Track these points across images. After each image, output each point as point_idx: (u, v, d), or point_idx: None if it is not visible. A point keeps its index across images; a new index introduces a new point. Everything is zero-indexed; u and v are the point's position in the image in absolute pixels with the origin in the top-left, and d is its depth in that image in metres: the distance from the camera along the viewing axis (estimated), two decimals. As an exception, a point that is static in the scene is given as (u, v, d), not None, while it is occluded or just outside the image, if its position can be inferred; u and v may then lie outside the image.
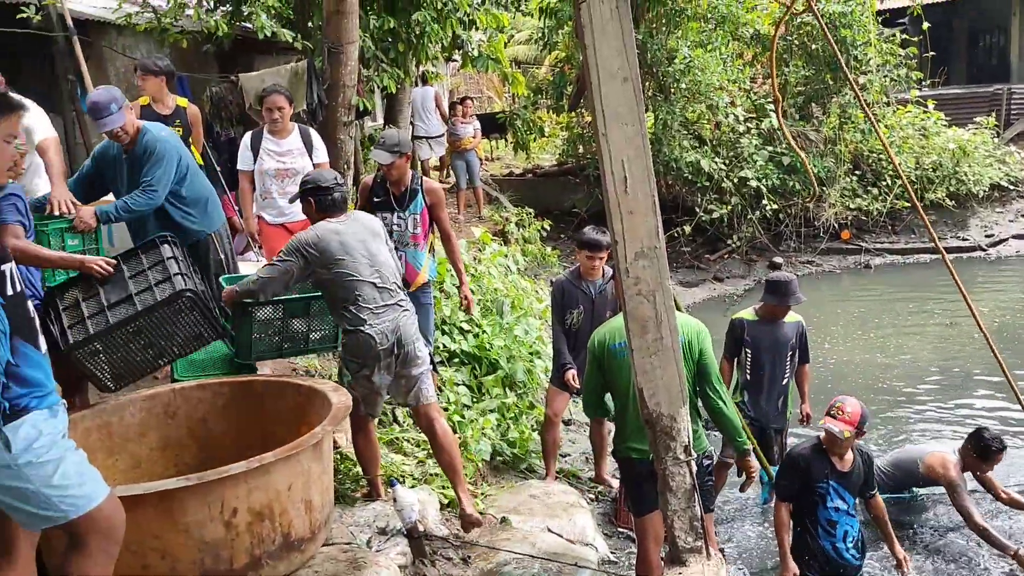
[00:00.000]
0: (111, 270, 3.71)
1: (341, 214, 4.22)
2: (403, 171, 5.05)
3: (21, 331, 2.43)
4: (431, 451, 5.20)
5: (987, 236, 14.13)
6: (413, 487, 4.72)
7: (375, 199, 5.13)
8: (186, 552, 3.16)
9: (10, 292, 2.42)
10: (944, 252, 4.28)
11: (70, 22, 8.50)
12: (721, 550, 5.19)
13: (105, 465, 2.67)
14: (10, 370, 2.38)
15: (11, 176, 2.62)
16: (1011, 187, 14.70)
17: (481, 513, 4.59)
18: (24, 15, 8.13)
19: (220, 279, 4.61)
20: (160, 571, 3.13)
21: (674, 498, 3.17)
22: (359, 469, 4.54)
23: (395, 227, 5.09)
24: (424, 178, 5.25)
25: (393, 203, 5.10)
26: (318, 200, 4.20)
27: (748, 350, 5.58)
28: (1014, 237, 14.07)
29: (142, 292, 3.64)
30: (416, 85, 12.68)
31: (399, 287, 4.27)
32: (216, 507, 3.18)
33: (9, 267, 2.43)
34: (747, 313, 5.73)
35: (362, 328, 4.06)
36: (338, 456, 4.65)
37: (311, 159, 5.72)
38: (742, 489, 5.73)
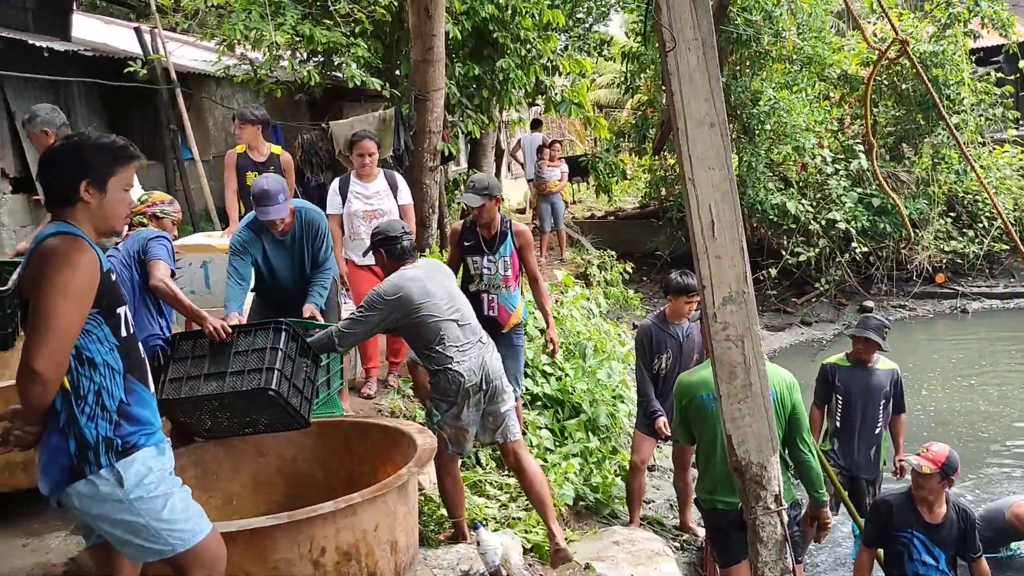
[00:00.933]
0: (224, 338, 3.82)
1: (412, 261, 4.32)
2: (493, 214, 5.10)
3: (133, 370, 2.54)
4: (516, 492, 5.21)
5: (1091, 280, 13.48)
6: (496, 530, 4.70)
7: (465, 243, 5.19)
8: (275, 590, 3.22)
9: (124, 334, 2.53)
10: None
11: (174, 75, 8.96)
12: (813, 604, 5.03)
13: (200, 501, 2.74)
14: (122, 408, 2.49)
15: (126, 223, 2.75)
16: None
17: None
18: (131, 69, 8.62)
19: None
20: (250, 608, 3.18)
21: (764, 549, 3.10)
22: (443, 511, 4.56)
23: (486, 270, 5.13)
24: (513, 220, 5.30)
25: (483, 246, 5.13)
26: (389, 250, 4.31)
27: (839, 396, 5.42)
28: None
29: (234, 374, 3.73)
30: (499, 131, 12.86)
31: (477, 324, 4.35)
32: (305, 546, 3.23)
33: (123, 310, 2.54)
34: (838, 358, 5.57)
35: (450, 366, 4.12)
36: (422, 498, 4.67)
37: (396, 200, 5.89)
38: (817, 539, 5.53)
